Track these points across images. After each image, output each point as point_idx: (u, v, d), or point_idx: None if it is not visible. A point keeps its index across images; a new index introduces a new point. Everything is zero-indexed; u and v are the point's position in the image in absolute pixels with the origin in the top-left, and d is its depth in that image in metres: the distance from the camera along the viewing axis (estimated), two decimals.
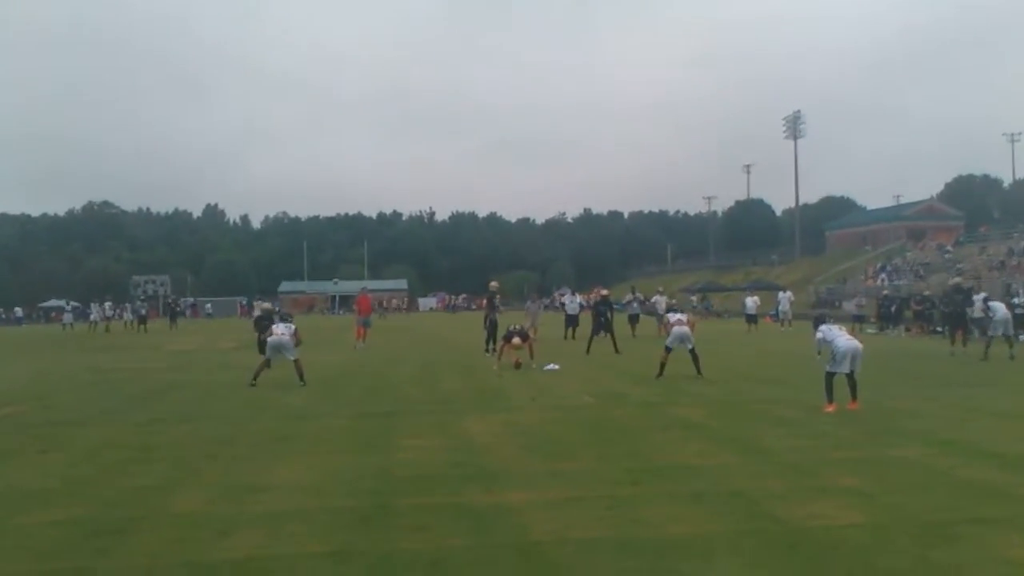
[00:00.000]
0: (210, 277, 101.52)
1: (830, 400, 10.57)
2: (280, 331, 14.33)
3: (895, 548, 5.14)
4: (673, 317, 15.10)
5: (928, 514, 5.85)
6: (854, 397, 10.56)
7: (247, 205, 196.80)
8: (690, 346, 14.40)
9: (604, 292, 23.45)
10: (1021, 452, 7.98)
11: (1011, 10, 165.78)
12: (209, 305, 53.62)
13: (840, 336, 10.82)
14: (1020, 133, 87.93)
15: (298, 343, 14.59)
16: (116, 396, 13.52)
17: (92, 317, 45.26)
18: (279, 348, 14.13)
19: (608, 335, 20.84)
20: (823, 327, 11.18)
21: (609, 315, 21.58)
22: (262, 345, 15.96)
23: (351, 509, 6.15)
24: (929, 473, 7.15)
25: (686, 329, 14.53)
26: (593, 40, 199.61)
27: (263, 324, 17.87)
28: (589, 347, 20.67)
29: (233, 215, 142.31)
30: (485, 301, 22.56)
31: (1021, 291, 29.41)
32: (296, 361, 14.13)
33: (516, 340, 16.60)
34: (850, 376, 10.57)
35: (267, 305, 23.38)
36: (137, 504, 6.40)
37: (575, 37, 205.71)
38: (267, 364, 14.47)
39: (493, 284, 23.15)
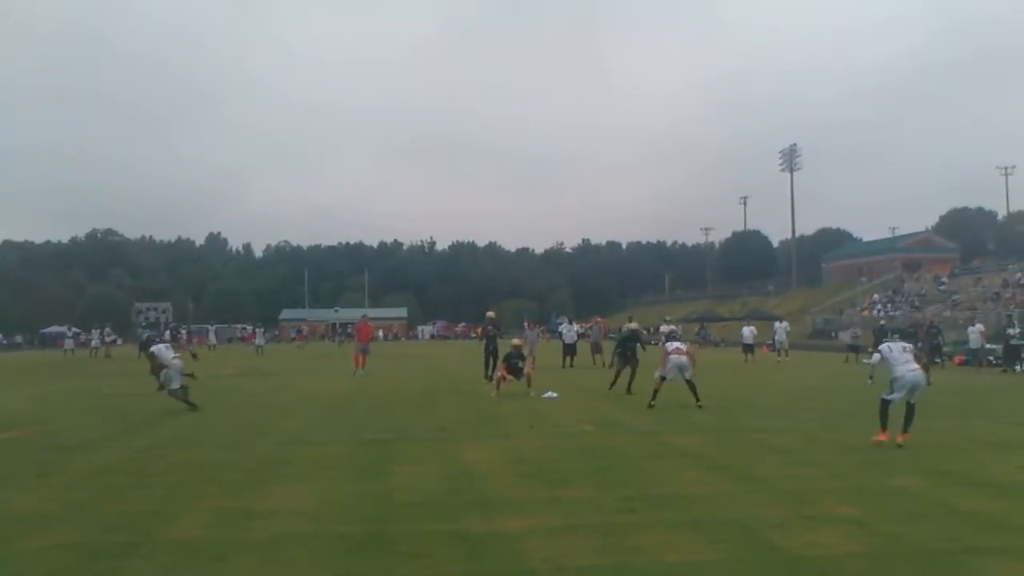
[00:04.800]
0: (212, 305, 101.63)
1: (884, 428, 10.10)
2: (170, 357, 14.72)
3: None
4: (671, 346, 15.09)
5: (927, 543, 5.86)
6: (906, 429, 10.06)
7: (249, 233, 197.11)
8: (687, 376, 14.40)
9: (633, 326, 20.14)
10: (1018, 481, 8.01)
11: (1004, 44, 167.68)
12: (213, 332, 53.49)
13: (905, 364, 10.08)
14: (1013, 166, 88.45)
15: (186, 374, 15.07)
16: (116, 421, 13.51)
17: (93, 343, 45.80)
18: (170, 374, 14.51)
19: (631, 372, 17.40)
20: (885, 346, 10.46)
21: (638, 350, 17.95)
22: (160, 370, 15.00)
23: (349, 535, 6.15)
24: (927, 503, 7.16)
25: (684, 359, 14.54)
26: (594, 72, 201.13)
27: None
28: (613, 384, 17.70)
29: (235, 243, 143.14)
30: (482, 329, 22.54)
31: (1017, 323, 29.47)
32: (176, 389, 14.45)
33: (509, 376, 16.73)
34: (909, 405, 10.12)
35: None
36: (135, 529, 6.39)
37: (576, 69, 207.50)
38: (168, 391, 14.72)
39: (490, 314, 23.21)
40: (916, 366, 10.21)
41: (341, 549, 5.80)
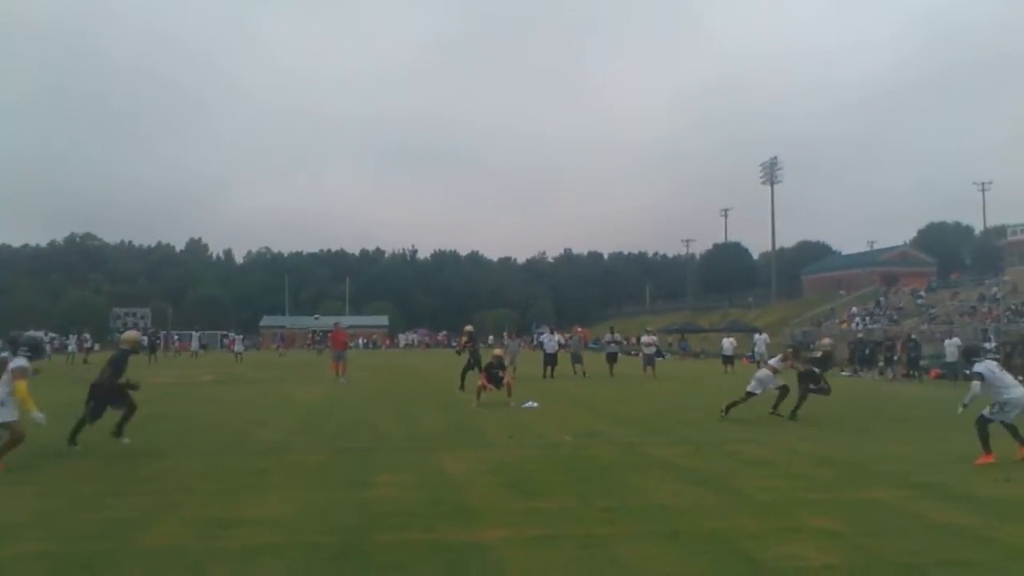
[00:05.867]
0: (192, 311, 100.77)
1: (988, 450, 9.70)
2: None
3: None
4: (772, 362, 15.41)
5: (902, 556, 5.89)
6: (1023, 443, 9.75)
7: (230, 240, 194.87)
8: (772, 387, 14.78)
9: (827, 347, 16.45)
10: (992, 495, 8.06)
11: (981, 61, 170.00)
12: (197, 338, 53.35)
13: (1015, 386, 9.66)
14: (990, 182, 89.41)
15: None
16: (91, 429, 13.32)
17: (70, 348, 45.65)
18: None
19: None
20: (983, 366, 9.80)
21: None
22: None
23: (326, 545, 6.11)
24: (903, 516, 7.20)
25: (767, 372, 14.94)
26: (578, 83, 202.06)
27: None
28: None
29: (216, 249, 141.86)
30: (465, 340, 22.53)
31: (993, 337, 29.79)
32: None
33: (489, 385, 16.72)
34: (1011, 426, 9.78)
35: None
36: (109, 538, 6.32)
37: (561, 80, 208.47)
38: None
39: (468, 328, 23.30)
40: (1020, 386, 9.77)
41: (318, 559, 5.76)
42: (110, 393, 11.22)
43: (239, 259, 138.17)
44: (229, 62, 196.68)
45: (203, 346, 60.80)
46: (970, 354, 10.31)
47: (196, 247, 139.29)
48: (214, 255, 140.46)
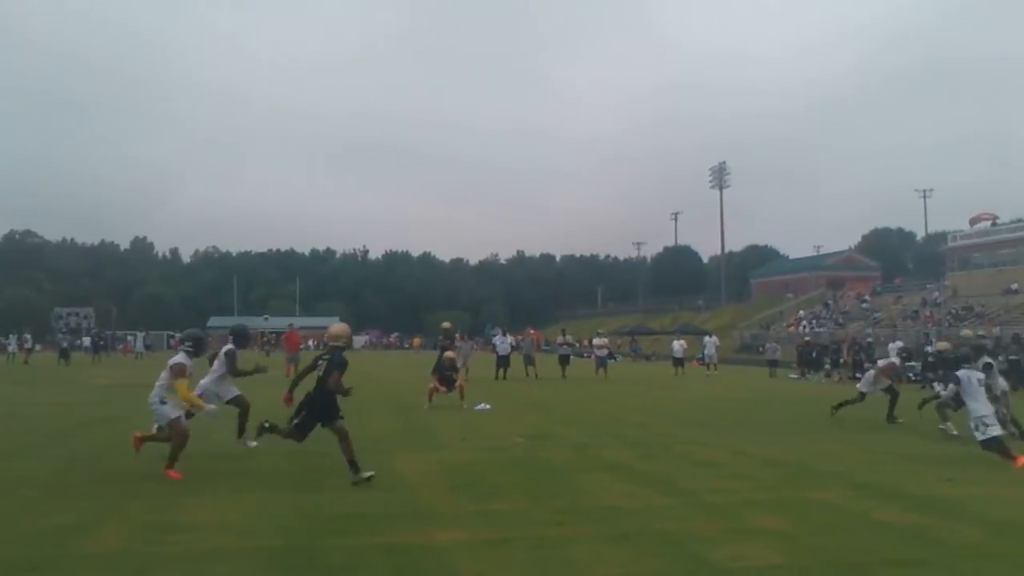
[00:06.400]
0: (137, 311, 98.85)
1: (1012, 455, 9.76)
2: None
3: None
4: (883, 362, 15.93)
5: (847, 555, 6.03)
6: None
7: (177, 238, 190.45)
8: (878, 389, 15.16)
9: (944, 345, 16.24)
10: (932, 494, 8.29)
11: (925, 71, 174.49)
12: (141, 338, 52.24)
13: (978, 402, 9.93)
14: (931, 189, 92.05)
15: None
16: (34, 431, 13.02)
17: (10, 349, 44.63)
18: None
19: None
20: (964, 373, 10.17)
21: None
22: None
23: (276, 549, 6.05)
24: (847, 515, 7.36)
25: (872, 373, 15.51)
26: (530, 83, 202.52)
27: None
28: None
29: (162, 248, 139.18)
30: (441, 338, 22.22)
31: (934, 340, 30.53)
32: None
33: (441, 388, 16.70)
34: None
35: None
36: (51, 543, 6.17)
37: (511, 81, 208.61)
38: None
39: (445, 324, 23.07)
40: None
41: (266, 564, 5.69)
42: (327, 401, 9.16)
43: (186, 258, 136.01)
44: (175, 53, 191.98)
45: (148, 347, 59.65)
46: (962, 360, 10.55)
47: (141, 245, 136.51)
48: (160, 254, 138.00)
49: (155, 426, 9.54)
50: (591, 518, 7.15)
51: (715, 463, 10.22)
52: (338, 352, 8.85)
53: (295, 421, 8.86)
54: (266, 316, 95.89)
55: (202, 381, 10.73)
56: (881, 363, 15.95)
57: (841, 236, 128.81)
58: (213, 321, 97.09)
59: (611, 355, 36.92)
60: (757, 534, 6.61)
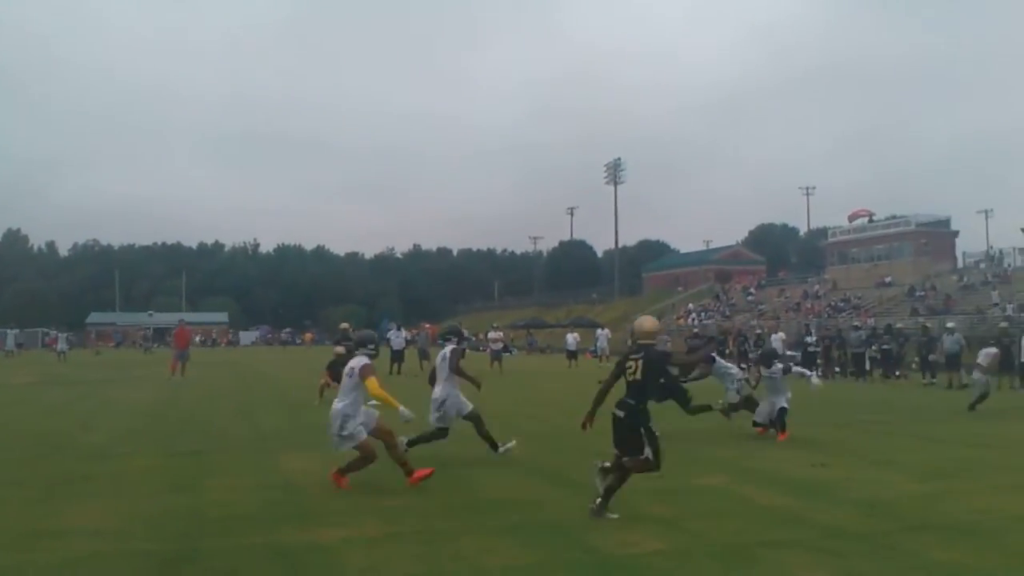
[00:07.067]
0: (9, 306, 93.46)
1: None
2: None
3: (697, 571, 5.44)
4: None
5: (728, 538, 6.23)
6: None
7: (53, 231, 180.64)
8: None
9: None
10: (809, 478, 8.68)
11: (812, 73, 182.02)
12: (12, 336, 49.38)
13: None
14: (814, 187, 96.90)
15: None
16: None
17: None
18: None
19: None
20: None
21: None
22: None
23: (154, 553, 5.80)
24: (730, 500, 7.61)
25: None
26: (426, 68, 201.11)
27: None
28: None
29: (37, 241, 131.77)
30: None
31: (814, 331, 31.90)
32: None
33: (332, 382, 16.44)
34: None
35: None
36: None
37: (407, 73, 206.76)
38: None
39: (344, 325, 22.80)
40: None
41: (145, 568, 5.48)
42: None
43: (63, 251, 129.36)
44: (51, 34, 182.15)
45: (19, 345, 56.59)
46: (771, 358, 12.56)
47: (15, 238, 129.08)
48: (35, 247, 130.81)
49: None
50: (481, 511, 7.17)
51: (604, 453, 10.33)
52: (660, 353, 8.07)
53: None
54: (150, 312, 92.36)
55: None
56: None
57: (729, 231, 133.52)
58: (93, 317, 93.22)
59: (506, 348, 37.12)
60: (643, 521, 6.76)
